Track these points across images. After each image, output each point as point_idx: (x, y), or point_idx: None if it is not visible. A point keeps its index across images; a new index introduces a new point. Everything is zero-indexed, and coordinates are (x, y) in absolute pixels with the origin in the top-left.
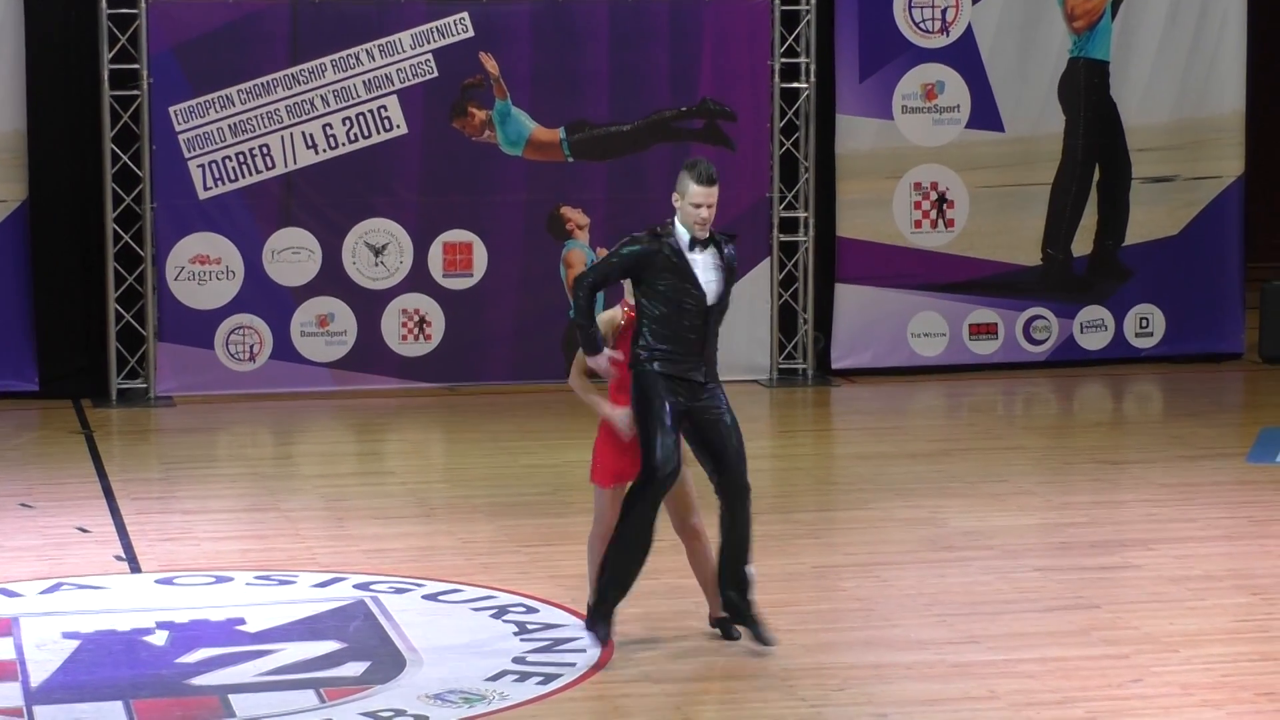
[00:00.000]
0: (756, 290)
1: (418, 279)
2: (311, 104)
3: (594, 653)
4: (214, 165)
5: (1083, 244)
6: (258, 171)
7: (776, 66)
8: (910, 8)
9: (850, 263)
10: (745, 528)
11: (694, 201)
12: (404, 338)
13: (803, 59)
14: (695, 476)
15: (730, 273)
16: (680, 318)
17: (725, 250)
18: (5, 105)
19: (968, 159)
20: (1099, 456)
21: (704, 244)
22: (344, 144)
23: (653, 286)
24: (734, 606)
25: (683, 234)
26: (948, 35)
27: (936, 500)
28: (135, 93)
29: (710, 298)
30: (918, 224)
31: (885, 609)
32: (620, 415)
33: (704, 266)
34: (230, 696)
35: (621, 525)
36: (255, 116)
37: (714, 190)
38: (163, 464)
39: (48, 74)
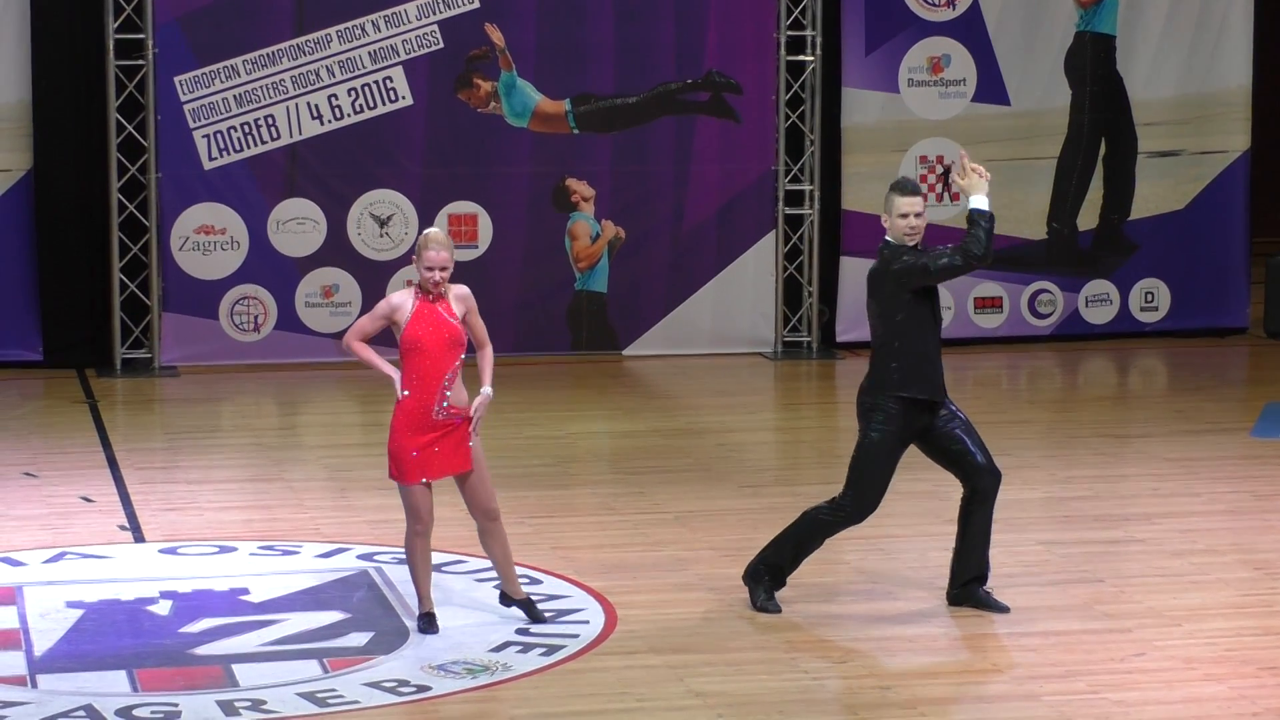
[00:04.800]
0: (761, 263)
1: None
2: (317, 75)
3: (597, 624)
4: (219, 135)
5: (1088, 218)
6: (263, 142)
7: (782, 39)
8: None
9: (855, 236)
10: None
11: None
12: None
13: (809, 32)
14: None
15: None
16: None
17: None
18: (10, 75)
19: (974, 132)
20: (1103, 430)
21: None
22: (349, 115)
23: None
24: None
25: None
26: (954, 9)
27: (940, 473)
28: (140, 63)
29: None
30: (923, 197)
31: (888, 582)
32: (399, 376)
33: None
34: (234, 666)
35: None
36: (260, 87)
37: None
38: (167, 434)
39: (52, 44)
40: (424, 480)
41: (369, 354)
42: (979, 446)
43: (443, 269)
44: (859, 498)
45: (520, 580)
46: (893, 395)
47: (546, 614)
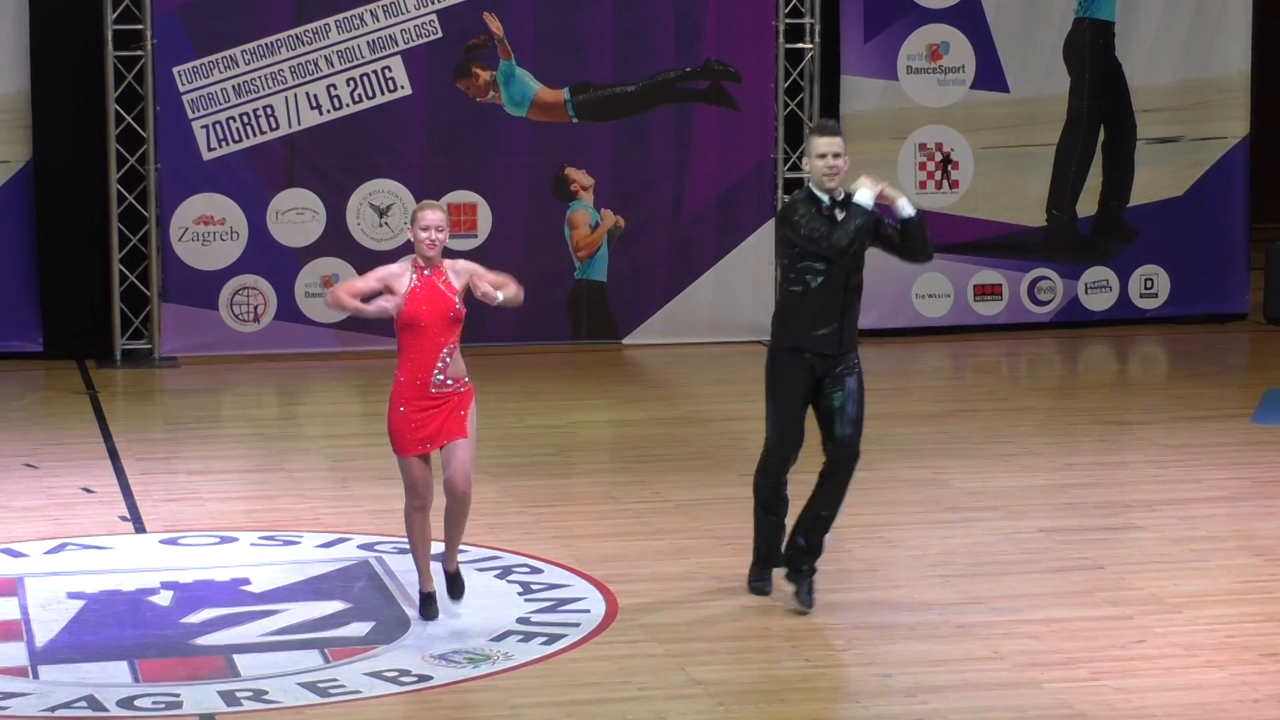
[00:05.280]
0: (761, 251)
1: None
2: (315, 64)
3: (598, 613)
4: (218, 126)
5: (1087, 205)
6: (261, 132)
7: (781, 27)
8: None
9: None
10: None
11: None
12: None
13: (807, 19)
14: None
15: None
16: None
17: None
18: (9, 66)
19: (973, 120)
20: (1103, 417)
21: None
22: (348, 105)
23: None
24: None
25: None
26: None
27: (941, 461)
28: (139, 53)
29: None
30: (922, 185)
31: (890, 570)
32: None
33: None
34: (235, 656)
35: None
36: (259, 77)
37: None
38: (167, 425)
39: (51, 35)
40: (421, 454)
41: (356, 304)
42: (850, 419)
43: (439, 229)
44: (770, 430)
45: (521, 569)
46: (776, 338)
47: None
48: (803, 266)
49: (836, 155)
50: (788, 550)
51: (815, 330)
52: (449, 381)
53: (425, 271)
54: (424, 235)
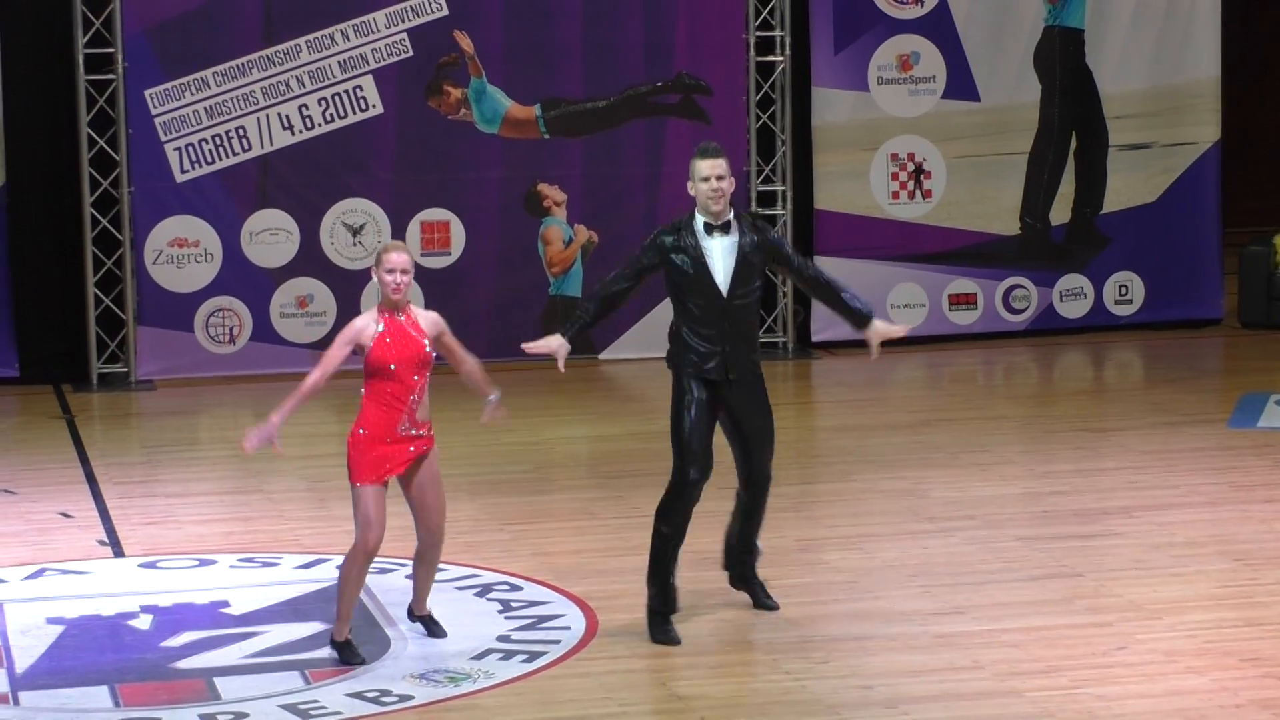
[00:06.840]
0: None
1: None
2: (287, 85)
3: (578, 630)
4: (190, 148)
5: (1061, 212)
6: (234, 154)
7: (751, 40)
8: None
9: (828, 235)
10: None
11: None
12: None
13: (777, 32)
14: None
15: None
16: None
17: None
18: None
19: (944, 129)
20: (1080, 425)
21: None
22: (320, 124)
23: None
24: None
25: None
26: (922, 6)
27: (919, 471)
28: (110, 77)
29: None
30: (895, 195)
31: (869, 581)
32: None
33: None
34: (215, 679)
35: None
36: (231, 98)
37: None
38: (144, 448)
39: (22, 59)
40: (379, 484)
41: (296, 398)
42: (755, 450)
43: (404, 271)
44: (675, 457)
45: (500, 587)
46: (672, 364)
47: (445, 632)
48: (671, 290)
49: (720, 178)
50: (730, 558)
51: (693, 355)
52: (413, 431)
53: (392, 315)
54: (389, 279)
